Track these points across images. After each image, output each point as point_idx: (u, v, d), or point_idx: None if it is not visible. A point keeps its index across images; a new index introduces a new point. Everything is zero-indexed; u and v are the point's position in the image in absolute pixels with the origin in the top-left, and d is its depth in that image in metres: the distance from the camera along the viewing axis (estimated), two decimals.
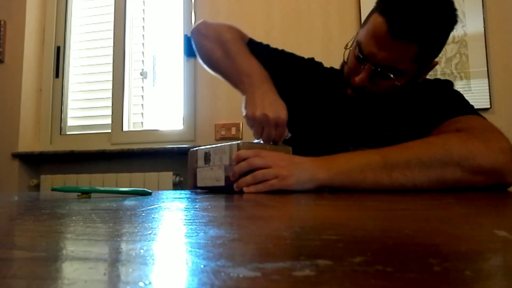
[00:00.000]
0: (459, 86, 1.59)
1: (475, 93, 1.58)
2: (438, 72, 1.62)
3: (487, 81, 1.58)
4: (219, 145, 0.73)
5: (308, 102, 0.90)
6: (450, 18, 0.73)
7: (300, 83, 0.93)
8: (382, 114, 0.85)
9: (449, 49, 1.63)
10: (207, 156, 0.75)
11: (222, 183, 0.70)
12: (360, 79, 0.76)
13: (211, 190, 0.75)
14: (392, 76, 0.74)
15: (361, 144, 0.82)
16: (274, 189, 0.63)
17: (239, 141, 0.69)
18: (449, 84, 0.85)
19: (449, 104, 0.78)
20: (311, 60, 0.98)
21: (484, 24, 1.61)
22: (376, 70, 0.74)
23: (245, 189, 0.64)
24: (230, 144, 0.69)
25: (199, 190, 0.79)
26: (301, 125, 0.86)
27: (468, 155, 0.62)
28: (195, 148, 0.79)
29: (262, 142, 0.72)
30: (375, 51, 0.73)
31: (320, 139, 0.86)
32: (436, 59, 0.80)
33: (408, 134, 0.70)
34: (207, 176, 0.74)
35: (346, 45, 0.82)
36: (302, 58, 0.98)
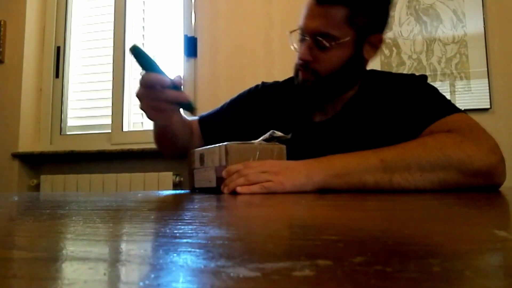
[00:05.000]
0: (459, 86, 1.59)
1: (475, 93, 1.58)
2: (438, 72, 1.62)
3: (487, 81, 1.58)
4: (211, 146, 0.72)
5: (279, 124, 0.85)
6: None
7: (261, 114, 0.91)
8: (361, 116, 0.83)
9: (449, 49, 1.63)
10: (201, 158, 0.75)
11: (214, 184, 0.69)
12: (301, 53, 0.78)
13: (206, 191, 0.75)
14: (327, 44, 0.75)
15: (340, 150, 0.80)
16: (269, 191, 0.62)
17: (227, 143, 0.67)
18: (423, 79, 0.83)
19: (432, 105, 0.76)
20: (261, 87, 0.98)
21: (484, 24, 1.61)
22: (313, 41, 0.76)
23: (238, 189, 0.62)
24: (219, 146, 0.68)
25: (197, 191, 0.78)
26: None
27: (466, 160, 0.63)
28: (193, 149, 0.79)
29: (255, 141, 0.70)
30: (307, 22, 0.76)
31: (299, 149, 0.81)
32: (383, 35, 0.80)
33: (392, 138, 0.70)
34: (202, 177, 0.74)
35: (290, 32, 0.84)
36: (249, 91, 0.98)
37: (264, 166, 0.64)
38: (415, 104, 0.78)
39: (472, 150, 0.64)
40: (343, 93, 0.84)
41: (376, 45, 0.81)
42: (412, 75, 0.85)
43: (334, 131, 0.83)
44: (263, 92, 0.96)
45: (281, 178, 0.62)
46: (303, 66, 0.80)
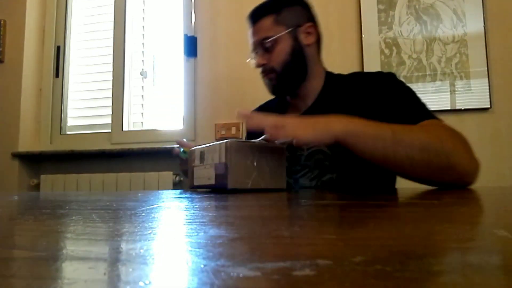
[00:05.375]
0: (459, 85, 1.59)
1: (475, 93, 1.58)
2: (438, 71, 1.62)
3: (487, 81, 1.58)
4: (211, 144, 0.72)
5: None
6: None
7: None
8: (330, 110, 0.89)
9: (449, 49, 1.63)
10: (202, 155, 0.75)
11: (213, 181, 0.70)
12: (256, 62, 0.99)
13: (205, 189, 0.75)
14: (269, 43, 0.95)
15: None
16: (291, 137, 0.66)
17: (227, 140, 0.67)
18: (392, 76, 0.91)
19: (408, 108, 0.83)
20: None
21: (484, 24, 1.61)
22: (260, 50, 0.97)
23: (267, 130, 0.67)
24: (219, 143, 0.68)
25: (198, 189, 0.79)
26: None
27: (457, 152, 0.69)
28: (193, 148, 0.80)
29: (255, 140, 0.70)
30: (253, 40, 0.99)
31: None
32: (309, 23, 0.98)
33: None
34: (202, 175, 0.74)
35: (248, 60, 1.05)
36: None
37: (286, 119, 0.70)
38: (389, 101, 0.85)
39: (459, 147, 0.70)
40: (303, 77, 0.99)
41: (310, 32, 0.99)
42: (379, 72, 0.95)
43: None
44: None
45: (303, 128, 0.68)
46: (263, 71, 0.99)
